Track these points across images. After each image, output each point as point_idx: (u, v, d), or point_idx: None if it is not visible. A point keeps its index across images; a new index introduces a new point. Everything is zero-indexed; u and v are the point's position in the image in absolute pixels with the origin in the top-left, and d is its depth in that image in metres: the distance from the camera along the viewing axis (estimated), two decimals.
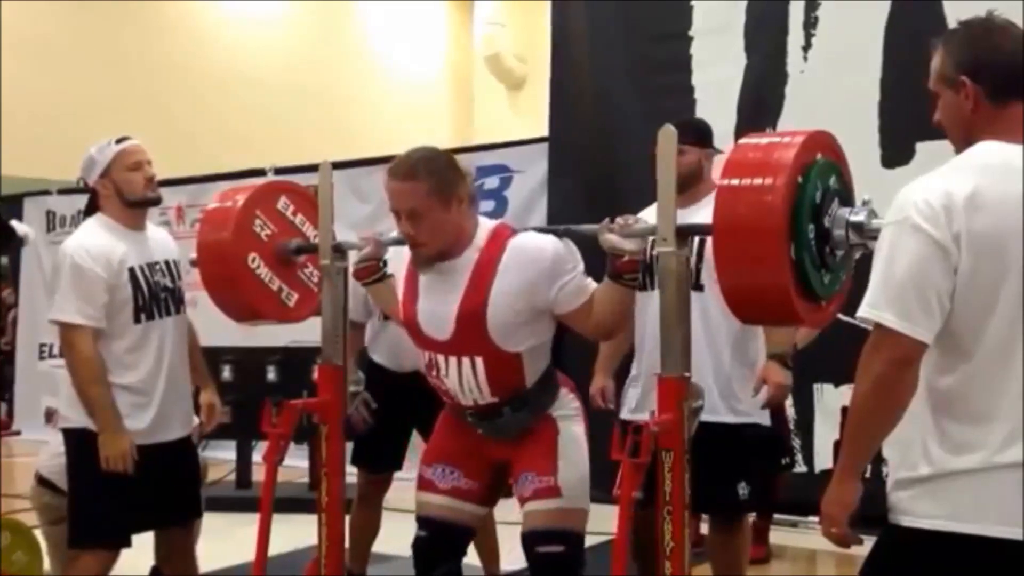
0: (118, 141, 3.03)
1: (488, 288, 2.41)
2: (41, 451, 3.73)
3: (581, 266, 2.50)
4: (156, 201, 3.08)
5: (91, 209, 3.05)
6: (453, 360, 2.47)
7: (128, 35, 10.54)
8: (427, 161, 2.44)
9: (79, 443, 2.92)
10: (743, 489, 2.98)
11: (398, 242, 2.64)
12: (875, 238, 2.07)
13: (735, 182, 2.12)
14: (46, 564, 3.60)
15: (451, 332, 2.45)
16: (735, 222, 2.10)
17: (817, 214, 2.10)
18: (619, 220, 2.40)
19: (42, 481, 3.55)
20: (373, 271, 2.72)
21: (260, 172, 6.29)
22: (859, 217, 2.12)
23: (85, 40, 10.18)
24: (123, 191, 2.99)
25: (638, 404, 3.01)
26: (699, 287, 2.86)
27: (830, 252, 2.16)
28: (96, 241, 2.94)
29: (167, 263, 3.07)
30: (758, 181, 2.08)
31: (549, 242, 2.45)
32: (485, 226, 2.52)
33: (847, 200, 2.18)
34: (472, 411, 2.54)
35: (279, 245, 3.08)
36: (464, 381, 2.48)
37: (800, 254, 2.07)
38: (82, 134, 3.30)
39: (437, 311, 2.47)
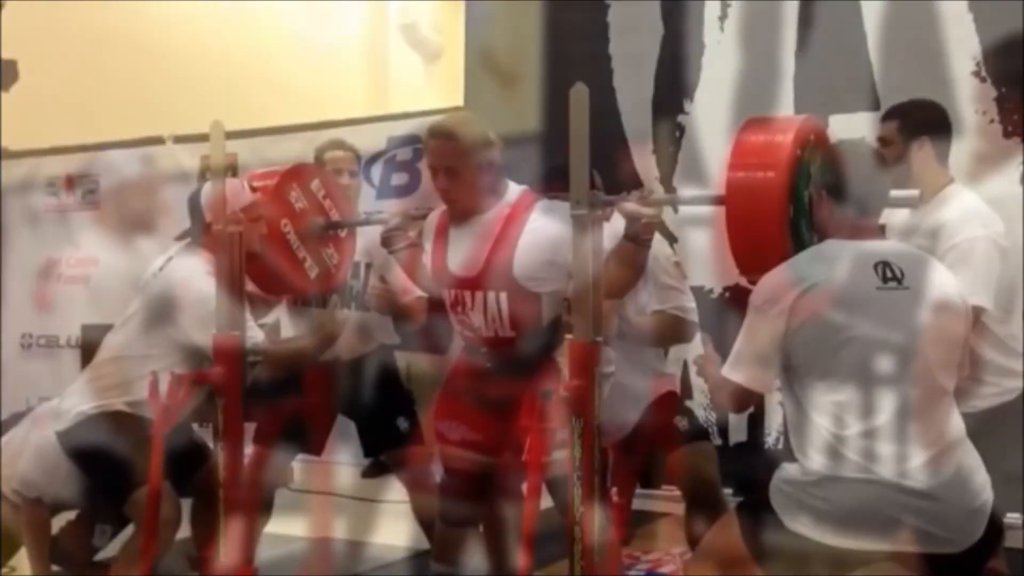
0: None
1: (517, 237, 2.80)
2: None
3: None
4: None
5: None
6: (480, 295, 2.84)
7: None
8: (464, 124, 2.89)
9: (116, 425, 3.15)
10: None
11: (423, 216, 3.07)
12: None
13: (744, 159, 2.48)
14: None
15: (479, 270, 2.83)
16: (745, 189, 2.45)
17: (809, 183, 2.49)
18: (635, 192, 2.76)
19: None
20: (401, 239, 3.05)
21: (159, 140, 6.02)
22: None
23: None
24: None
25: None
26: None
27: None
28: None
29: None
30: (764, 158, 2.45)
31: None
32: (514, 189, 2.94)
33: None
34: (487, 341, 2.88)
35: (309, 220, 3.33)
36: (488, 313, 2.84)
37: (797, 218, 2.46)
38: None
39: (467, 253, 2.85)
